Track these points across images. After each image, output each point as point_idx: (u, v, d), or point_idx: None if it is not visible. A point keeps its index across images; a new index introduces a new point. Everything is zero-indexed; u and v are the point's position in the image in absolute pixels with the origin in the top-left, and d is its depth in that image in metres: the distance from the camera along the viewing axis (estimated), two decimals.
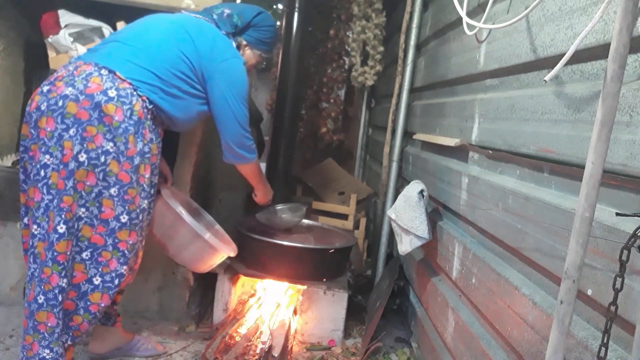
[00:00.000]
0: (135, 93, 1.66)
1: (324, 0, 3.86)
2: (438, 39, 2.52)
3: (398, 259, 2.76)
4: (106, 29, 2.37)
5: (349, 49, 3.79)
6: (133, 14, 2.20)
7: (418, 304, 2.37)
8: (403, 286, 2.73)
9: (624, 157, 0.95)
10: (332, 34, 3.93)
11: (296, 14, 2.84)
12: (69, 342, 1.68)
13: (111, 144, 1.60)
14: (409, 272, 2.62)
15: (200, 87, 1.83)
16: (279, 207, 2.58)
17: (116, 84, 1.63)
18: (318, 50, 4.03)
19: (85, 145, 1.57)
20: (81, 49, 2.29)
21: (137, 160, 1.66)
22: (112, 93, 1.61)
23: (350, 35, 3.71)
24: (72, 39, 2.30)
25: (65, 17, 2.33)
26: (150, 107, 1.70)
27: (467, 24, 1.79)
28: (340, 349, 2.34)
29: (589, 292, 1.01)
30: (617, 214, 0.92)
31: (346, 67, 4.06)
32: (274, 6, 5.08)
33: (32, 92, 2.55)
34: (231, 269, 2.40)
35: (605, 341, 0.83)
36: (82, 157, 1.57)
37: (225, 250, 2.04)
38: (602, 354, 0.82)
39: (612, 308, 0.83)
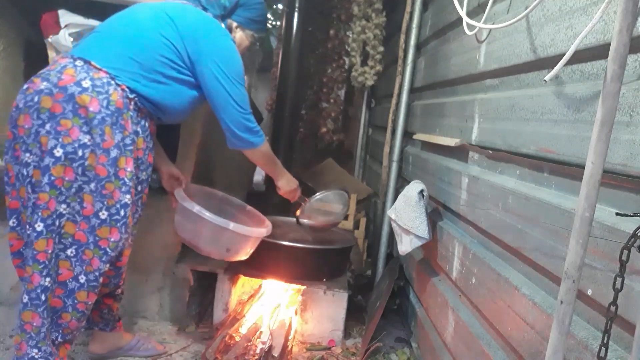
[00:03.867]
0: (112, 82, 1.60)
1: (324, 0, 3.87)
2: (438, 39, 2.52)
3: (398, 259, 2.76)
4: None
5: (349, 49, 3.79)
6: None
7: (418, 304, 2.37)
8: (403, 286, 2.73)
9: (624, 157, 0.95)
10: (332, 34, 3.94)
11: (296, 14, 2.84)
12: (60, 340, 1.67)
13: (88, 136, 1.56)
14: (409, 272, 2.62)
15: (189, 72, 1.75)
16: (318, 198, 2.33)
17: (91, 73, 1.58)
18: (318, 50, 4.03)
19: (60, 139, 1.53)
20: None
21: (114, 153, 1.60)
22: (86, 83, 1.56)
23: (350, 35, 3.71)
24: (72, 39, 2.30)
25: (65, 17, 2.32)
26: (132, 96, 1.64)
27: (467, 24, 1.79)
28: (340, 349, 2.34)
29: (589, 292, 1.01)
30: (617, 214, 0.92)
31: (346, 67, 4.06)
32: (274, 6, 5.09)
33: None
34: (231, 269, 2.40)
35: (605, 341, 0.83)
36: (58, 152, 1.53)
37: (257, 233, 2.02)
38: (602, 354, 0.82)
39: (612, 308, 0.83)
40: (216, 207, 2.15)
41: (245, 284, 2.48)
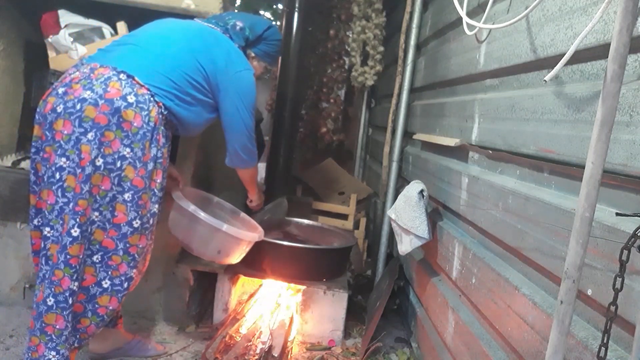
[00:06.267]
0: (152, 99, 1.67)
1: (324, 0, 3.86)
2: (438, 39, 2.52)
3: (398, 259, 2.76)
4: (106, 29, 2.37)
5: (349, 49, 3.79)
6: (133, 14, 2.20)
7: (418, 304, 2.37)
8: (403, 286, 2.73)
9: (624, 157, 0.95)
10: (332, 34, 3.93)
11: (296, 14, 2.84)
12: (76, 345, 1.69)
13: (128, 149, 1.61)
14: (409, 272, 2.62)
15: (211, 96, 1.87)
16: (265, 209, 2.62)
17: (135, 89, 1.64)
18: (318, 50, 4.03)
19: (102, 150, 1.58)
20: (81, 49, 2.29)
21: (151, 166, 1.68)
22: (131, 99, 1.61)
23: (350, 35, 3.71)
24: (72, 39, 2.30)
25: (65, 17, 2.33)
26: (165, 112, 1.72)
27: (467, 24, 1.79)
28: (340, 349, 2.34)
29: (589, 292, 1.01)
30: (617, 214, 0.92)
31: (346, 67, 4.06)
32: (274, 6, 5.09)
33: (32, 92, 2.58)
34: (231, 269, 2.40)
35: (605, 341, 0.83)
36: (99, 162, 1.58)
37: (249, 237, 2.06)
38: (602, 354, 0.82)
39: (612, 308, 0.83)
40: (210, 212, 2.17)
41: (245, 284, 2.48)
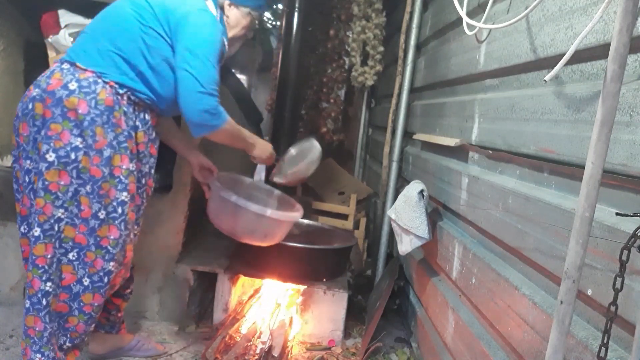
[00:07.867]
0: (99, 80, 1.59)
1: (324, 0, 3.86)
2: (438, 39, 2.52)
3: (398, 259, 2.76)
4: None
5: (349, 49, 3.79)
6: None
7: (418, 304, 2.37)
8: (403, 286, 2.73)
9: (624, 157, 0.95)
10: (332, 34, 3.93)
11: (296, 14, 2.84)
12: (68, 344, 1.67)
13: (79, 139, 1.55)
14: (409, 272, 2.62)
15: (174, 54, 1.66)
16: (288, 154, 2.29)
17: (77, 75, 1.58)
18: (318, 50, 4.03)
19: (52, 144, 1.53)
20: None
21: (107, 152, 1.59)
22: (72, 86, 1.56)
23: (350, 35, 3.71)
24: (72, 39, 2.30)
25: (65, 17, 2.33)
26: (123, 91, 1.62)
27: (467, 24, 1.79)
28: (340, 349, 2.34)
29: (589, 292, 1.01)
30: (617, 214, 0.92)
31: (346, 67, 4.06)
32: (274, 6, 5.08)
33: None
34: (231, 269, 2.40)
35: (605, 341, 0.83)
36: (51, 157, 1.53)
37: (291, 217, 2.09)
38: (602, 354, 0.82)
39: (612, 308, 0.83)
40: (245, 194, 2.12)
41: (245, 284, 2.48)
